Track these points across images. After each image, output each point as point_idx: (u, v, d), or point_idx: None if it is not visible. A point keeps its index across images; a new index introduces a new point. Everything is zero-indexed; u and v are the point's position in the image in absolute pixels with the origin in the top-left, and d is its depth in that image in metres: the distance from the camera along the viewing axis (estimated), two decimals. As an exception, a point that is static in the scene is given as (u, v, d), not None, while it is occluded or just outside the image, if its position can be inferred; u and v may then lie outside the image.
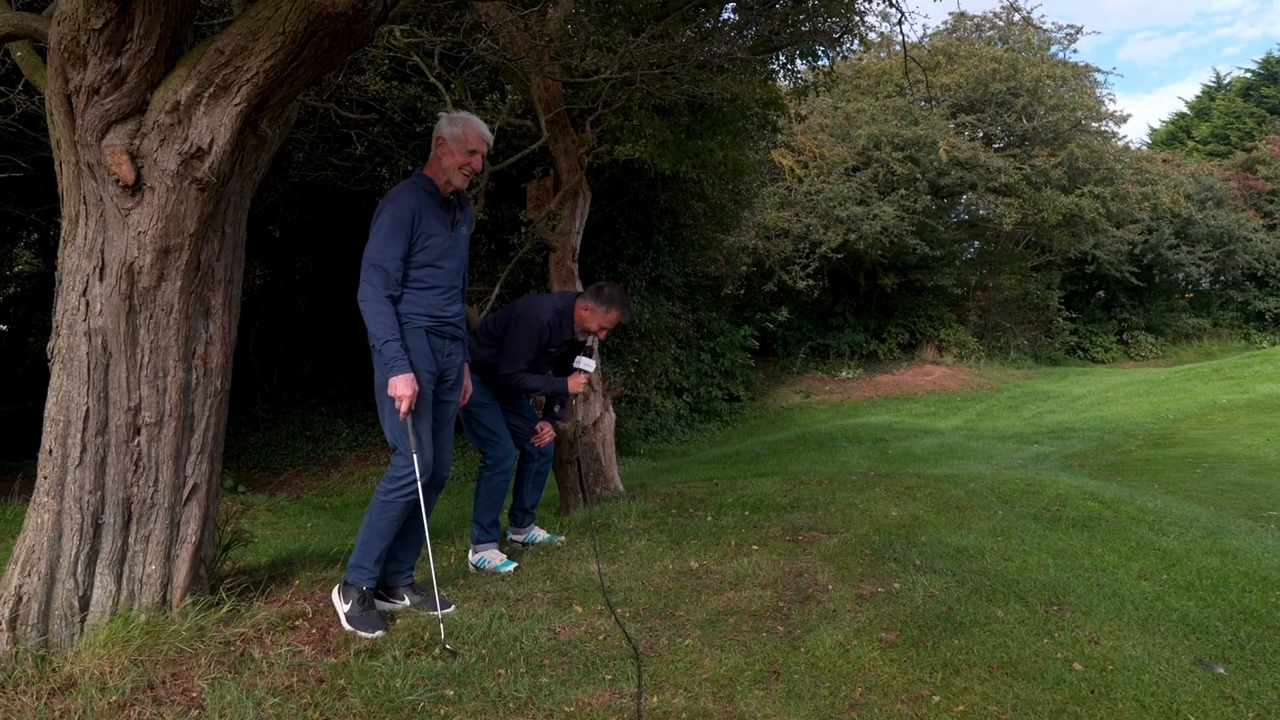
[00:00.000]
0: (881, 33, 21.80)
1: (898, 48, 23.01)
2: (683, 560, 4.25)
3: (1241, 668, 3.09)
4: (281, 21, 2.99)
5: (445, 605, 3.64)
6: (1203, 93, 44.88)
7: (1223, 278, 27.98)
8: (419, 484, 3.47)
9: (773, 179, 19.86)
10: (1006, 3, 23.56)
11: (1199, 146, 40.11)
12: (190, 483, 3.32)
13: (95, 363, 3.12)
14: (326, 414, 13.13)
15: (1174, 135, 43.88)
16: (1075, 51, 32.09)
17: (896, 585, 3.81)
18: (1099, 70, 25.33)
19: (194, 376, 3.30)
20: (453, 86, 6.99)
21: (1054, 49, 24.50)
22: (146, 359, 3.17)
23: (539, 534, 4.87)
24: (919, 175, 20.71)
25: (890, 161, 20.53)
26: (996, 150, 22.63)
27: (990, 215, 22.82)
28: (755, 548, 4.41)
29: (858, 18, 8.37)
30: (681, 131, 7.58)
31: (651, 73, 6.57)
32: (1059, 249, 24.67)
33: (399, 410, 3.40)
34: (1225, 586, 3.95)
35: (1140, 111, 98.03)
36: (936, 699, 2.84)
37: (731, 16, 8.30)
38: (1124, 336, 27.01)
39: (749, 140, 9.92)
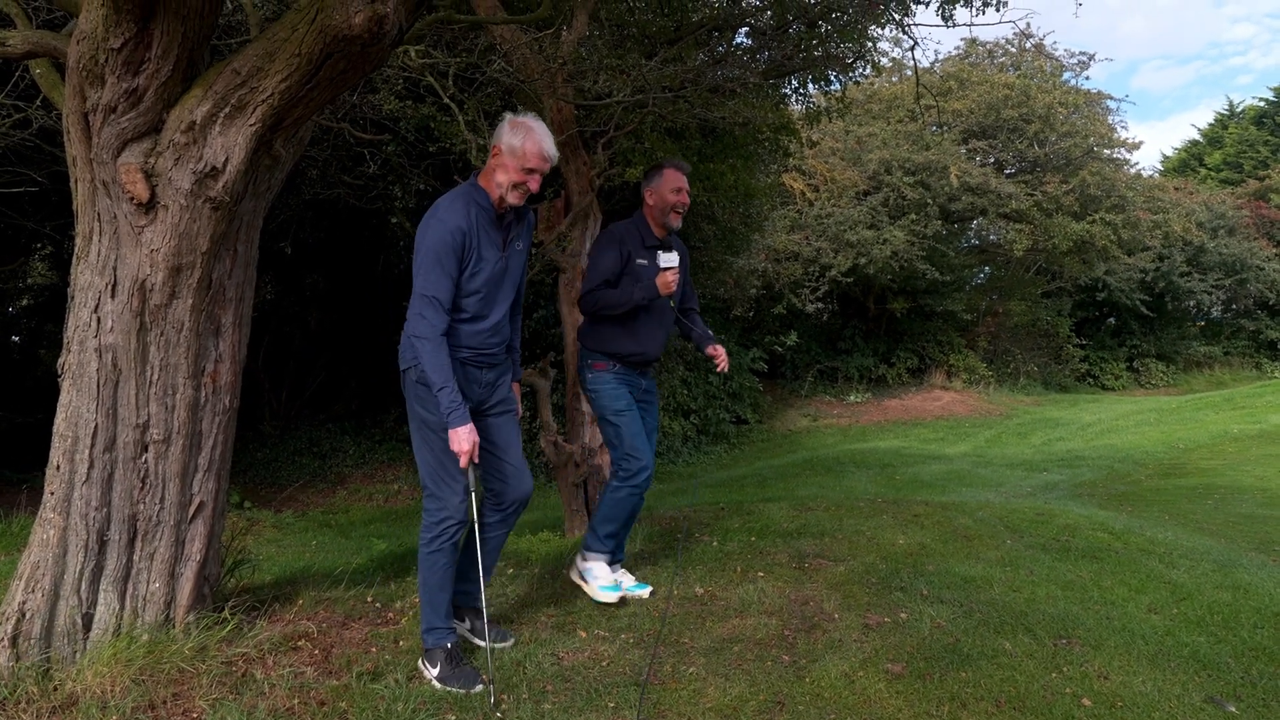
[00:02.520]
0: (894, 58, 21.88)
1: (909, 73, 23.09)
2: (688, 586, 4.22)
3: (1254, 706, 3.05)
4: (298, 43, 3.01)
5: (504, 638, 3.45)
6: (1216, 121, 44.93)
7: (1234, 306, 27.90)
8: (455, 525, 3.20)
9: (783, 202, 19.89)
10: (1019, 29, 23.62)
11: (1211, 174, 40.10)
12: (196, 500, 3.32)
13: (105, 379, 3.13)
14: (334, 431, 13.15)
15: (1186, 163, 43.90)
16: (1088, 79, 32.08)
17: (903, 615, 3.77)
18: (1111, 98, 25.35)
19: (203, 394, 3.31)
20: (466, 107, 7.04)
21: (1066, 76, 24.57)
22: (156, 376, 3.18)
23: (626, 578, 4.24)
24: (930, 200, 20.74)
25: (901, 186, 20.57)
26: (1008, 176, 22.65)
27: (1001, 241, 22.82)
28: (761, 574, 4.38)
29: (870, 43, 8.42)
30: (693, 154, 7.61)
31: (664, 96, 6.60)
32: (1070, 276, 24.65)
33: (459, 461, 3.10)
34: (1237, 622, 3.90)
35: (1152, 139, 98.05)
36: (943, 733, 2.81)
37: (745, 41, 8.35)
38: (1134, 364, 26.94)
39: (760, 164, 9.96)
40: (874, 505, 6.12)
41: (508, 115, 3.23)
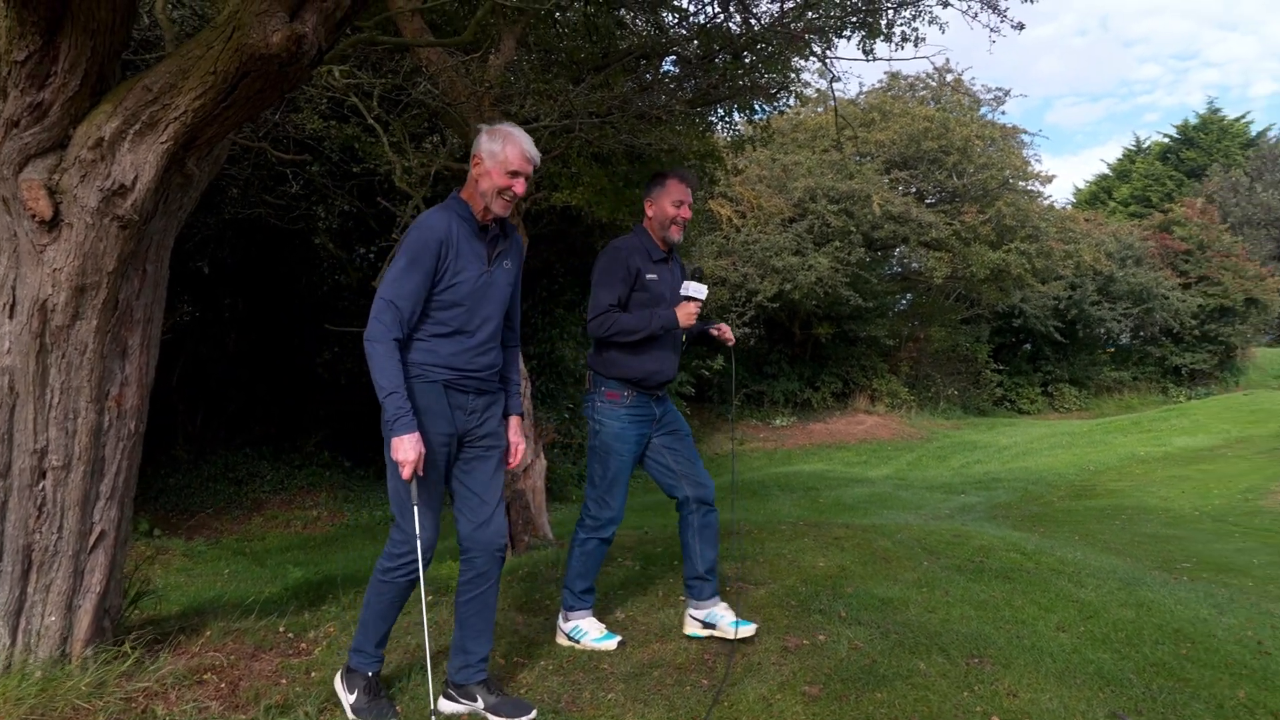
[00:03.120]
0: (819, 89, 22.39)
1: (833, 103, 23.66)
2: (608, 611, 4.20)
3: (1153, 720, 3.15)
4: (213, 61, 2.95)
5: (523, 710, 3.06)
6: (1124, 156, 47.13)
7: (1142, 333, 29.08)
8: (420, 563, 2.99)
9: (710, 228, 20.14)
10: (937, 66, 24.42)
11: (1120, 207, 41.94)
12: (97, 529, 3.19)
13: (0, 403, 3.00)
14: (251, 455, 12.79)
15: (1096, 196, 45.86)
16: (1004, 113, 33.33)
17: (821, 637, 3.82)
18: (1026, 132, 26.30)
19: (106, 419, 3.19)
20: (392, 128, 6.98)
21: (984, 110, 25.45)
22: (56, 400, 3.06)
23: (724, 614, 3.88)
24: (853, 228, 21.23)
25: (825, 214, 21.02)
26: (928, 206, 23.32)
27: (922, 268, 23.45)
28: (683, 599, 4.38)
29: (793, 74, 8.62)
30: (619, 180, 7.67)
31: (591, 121, 6.65)
32: (987, 303, 25.42)
33: (402, 470, 2.88)
34: (1139, 638, 4.04)
35: (1065, 172, 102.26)
36: (857, 754, 2.84)
37: (672, 69, 8.47)
38: (1049, 389, 27.85)
39: (686, 190, 10.06)
40: (796, 528, 6.19)
41: (482, 126, 3.13)
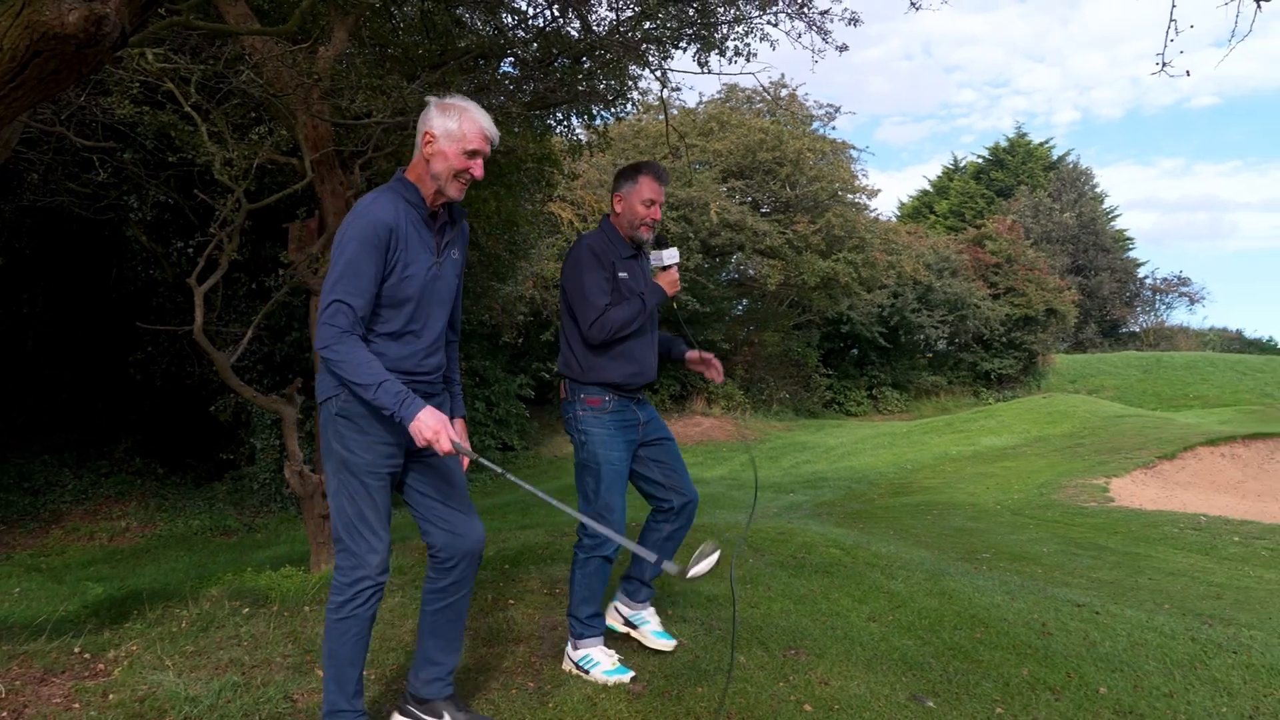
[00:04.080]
0: (660, 96, 22.82)
1: (675, 111, 24.16)
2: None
3: (949, 700, 3.39)
4: (-2, 37, 2.73)
5: None
6: (943, 173, 50.43)
7: (957, 340, 31.11)
8: (372, 589, 2.73)
9: (551, 231, 20.13)
10: (774, 80, 25.34)
11: (940, 221, 44.81)
12: None
13: None
14: (50, 464, 11.82)
15: (919, 210, 48.84)
16: (834, 129, 34.89)
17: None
18: (854, 147, 27.70)
19: None
20: (212, 116, 6.62)
21: (816, 125, 26.61)
22: None
23: (651, 619, 3.85)
24: (691, 234, 21.75)
25: (665, 220, 21.42)
26: (763, 215, 24.16)
27: (757, 275, 24.27)
28: (512, 602, 4.38)
29: (632, 82, 8.75)
30: (455, 180, 7.56)
31: (426, 120, 6.52)
32: (818, 309, 26.54)
33: (438, 446, 2.59)
34: (940, 625, 4.33)
35: (892, 188, 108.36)
36: (677, 748, 2.92)
37: (511, 71, 8.43)
38: (874, 392, 29.36)
39: (524, 192, 10.04)
40: (629, 529, 6.28)
41: (431, 100, 2.78)
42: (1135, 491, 11.14)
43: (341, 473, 2.73)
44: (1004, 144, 48.08)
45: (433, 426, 2.57)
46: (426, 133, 2.74)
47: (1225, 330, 45.31)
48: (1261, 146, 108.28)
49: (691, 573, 2.81)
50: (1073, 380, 31.92)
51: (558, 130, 9.41)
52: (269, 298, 10.32)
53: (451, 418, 3.03)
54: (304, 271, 5.98)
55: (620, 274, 3.57)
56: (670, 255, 3.68)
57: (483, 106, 2.87)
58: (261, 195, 6.70)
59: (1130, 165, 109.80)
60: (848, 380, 29.19)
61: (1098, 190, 46.43)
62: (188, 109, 6.13)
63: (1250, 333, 45.40)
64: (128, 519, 10.67)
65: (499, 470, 2.90)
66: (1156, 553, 7.47)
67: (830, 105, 26.48)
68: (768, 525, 7.30)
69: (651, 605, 3.89)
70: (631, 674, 3.44)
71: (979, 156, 49.07)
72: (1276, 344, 44.52)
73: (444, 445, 2.59)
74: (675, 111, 24.29)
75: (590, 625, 3.56)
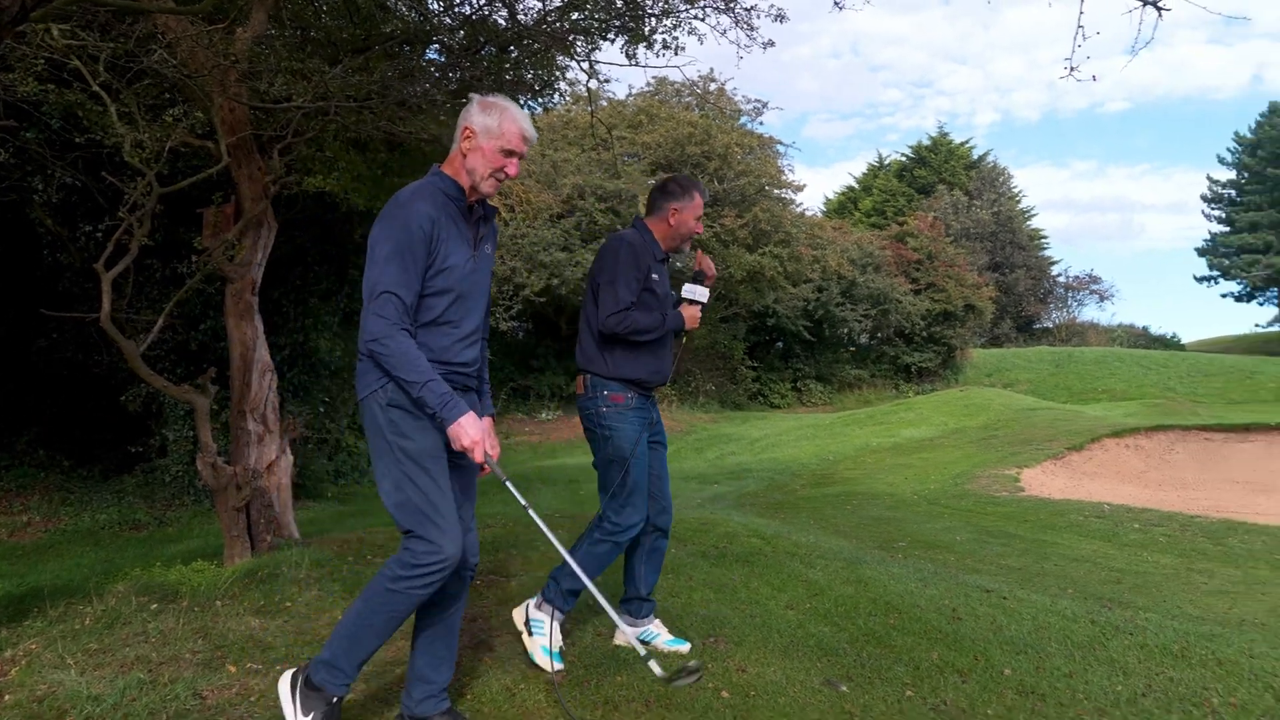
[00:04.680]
0: (589, 87, 22.76)
1: (604, 103, 24.13)
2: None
3: (861, 685, 3.48)
4: (-115, 8, 2.60)
5: None
6: (868, 171, 51.42)
7: (879, 334, 31.80)
8: (441, 571, 2.66)
9: (479, 220, 19.97)
10: (704, 73, 25.47)
11: (864, 217, 45.69)
12: None
13: None
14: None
15: (844, 206, 49.71)
16: (762, 124, 35.34)
17: (568, 626, 3.91)
18: (781, 143, 28.05)
19: None
20: (123, 96, 6.39)
21: (744, 120, 26.85)
22: None
23: (660, 632, 3.86)
24: (620, 226, 21.75)
25: (593, 211, 21.43)
26: (691, 208, 24.28)
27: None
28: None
29: (559, 73, 8.72)
30: (378, 167, 7.45)
31: (348, 105, 6.40)
32: (744, 303, 26.84)
33: (473, 455, 2.65)
34: (856, 612, 4.44)
35: (818, 184, 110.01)
36: (595, 736, 2.95)
37: (436, 58, 8.32)
38: (798, 384, 29.83)
39: (451, 181, 9.92)
40: (552, 520, 6.28)
41: (474, 96, 2.82)
42: (1045, 481, 11.55)
43: (404, 463, 2.68)
44: (927, 143, 49.22)
45: (472, 436, 2.64)
46: (466, 128, 2.78)
47: (1132, 327, 47.20)
48: (1167, 151, 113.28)
49: (675, 684, 2.94)
50: (989, 374, 32.89)
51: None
52: (183, 284, 10.03)
53: (480, 415, 2.97)
54: (219, 258, 5.83)
55: (654, 276, 3.65)
56: (701, 293, 3.78)
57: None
58: (175, 179, 6.49)
59: (1046, 166, 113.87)
60: (773, 373, 29.59)
61: (1015, 190, 47.92)
62: (96, 88, 5.91)
63: (1155, 329, 47.42)
64: (30, 513, 10.23)
65: (523, 502, 2.88)
66: (1062, 540, 7.77)
67: (758, 101, 26.66)
68: (691, 516, 7.38)
69: (656, 617, 3.92)
70: (561, 660, 3.47)
71: (903, 155, 50.19)
72: (1179, 340, 46.60)
73: (478, 456, 2.67)
74: (604, 103, 24.26)
75: (563, 597, 3.62)
